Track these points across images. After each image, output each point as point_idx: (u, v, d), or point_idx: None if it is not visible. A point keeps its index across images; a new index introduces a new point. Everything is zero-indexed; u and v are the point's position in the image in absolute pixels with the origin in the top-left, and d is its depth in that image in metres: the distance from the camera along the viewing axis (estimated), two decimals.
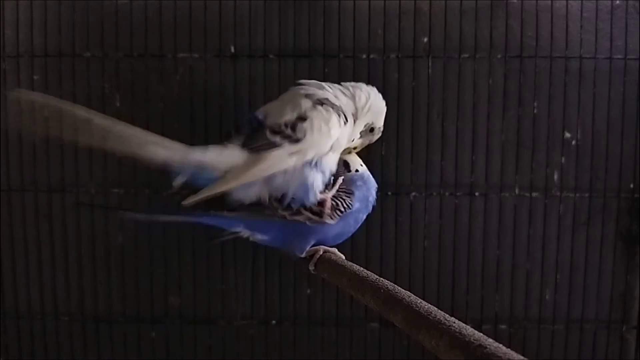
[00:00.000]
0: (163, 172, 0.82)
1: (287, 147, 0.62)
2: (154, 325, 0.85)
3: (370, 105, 0.68)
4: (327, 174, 0.66)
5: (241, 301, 0.84)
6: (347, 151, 0.71)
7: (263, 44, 0.81)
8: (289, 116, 0.63)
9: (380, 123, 0.71)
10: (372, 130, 0.71)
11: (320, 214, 0.65)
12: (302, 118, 0.63)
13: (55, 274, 0.84)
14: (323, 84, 0.68)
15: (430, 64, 0.81)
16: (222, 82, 0.81)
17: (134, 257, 0.83)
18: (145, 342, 0.85)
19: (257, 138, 0.64)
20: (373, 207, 0.71)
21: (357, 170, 0.71)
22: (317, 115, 0.63)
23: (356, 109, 0.68)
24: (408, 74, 0.81)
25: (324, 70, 0.81)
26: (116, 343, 0.85)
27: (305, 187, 0.63)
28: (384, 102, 0.70)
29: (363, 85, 0.69)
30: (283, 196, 0.64)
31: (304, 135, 0.62)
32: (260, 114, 0.66)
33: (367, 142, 0.72)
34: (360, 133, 0.70)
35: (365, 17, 0.80)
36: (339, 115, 0.64)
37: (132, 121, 0.81)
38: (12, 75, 0.81)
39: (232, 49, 0.81)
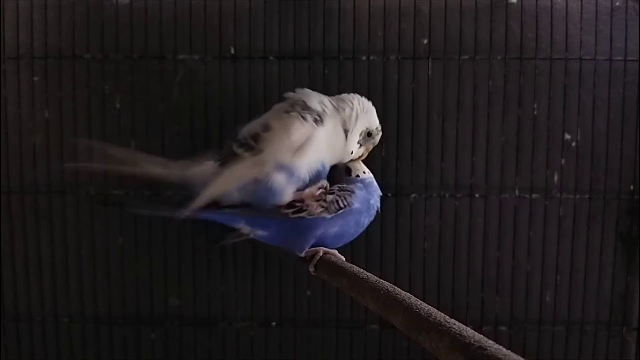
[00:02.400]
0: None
1: (249, 159, 0.63)
2: (154, 327, 0.85)
3: (357, 112, 0.68)
4: (298, 173, 0.64)
5: (241, 302, 0.84)
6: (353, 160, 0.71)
7: (263, 46, 0.81)
8: (255, 127, 0.65)
9: (374, 124, 0.70)
10: (369, 134, 0.70)
11: (301, 210, 0.65)
12: (266, 128, 0.64)
13: (55, 275, 0.84)
14: (313, 93, 0.68)
15: (430, 66, 0.81)
16: (222, 84, 0.81)
17: (133, 259, 0.83)
18: (145, 344, 0.85)
19: (225, 151, 0.66)
20: (377, 212, 0.70)
21: (357, 176, 0.70)
22: (279, 125, 0.64)
23: (344, 120, 0.67)
24: (408, 76, 0.81)
25: (323, 71, 0.81)
26: (116, 344, 0.85)
27: (265, 187, 0.63)
28: (369, 103, 0.69)
29: (345, 96, 0.69)
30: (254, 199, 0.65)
31: (264, 146, 0.63)
32: (240, 128, 0.67)
33: (370, 147, 0.72)
34: (359, 142, 0.70)
35: (365, 19, 0.80)
36: (305, 117, 0.64)
37: (132, 122, 0.82)
38: (12, 77, 0.81)
39: (232, 51, 0.81)
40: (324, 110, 0.66)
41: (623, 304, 0.83)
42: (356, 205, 0.67)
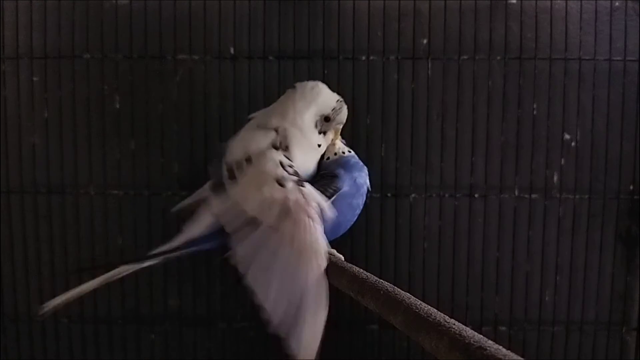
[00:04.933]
0: (162, 174, 0.83)
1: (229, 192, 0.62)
2: (154, 327, 0.85)
3: (297, 106, 0.64)
4: None
5: (241, 303, 0.84)
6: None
7: (262, 46, 0.81)
8: (238, 155, 0.64)
9: (325, 107, 0.65)
10: (327, 119, 0.65)
11: None
12: (248, 160, 0.63)
13: (55, 276, 0.84)
14: (267, 110, 0.68)
15: (429, 66, 0.81)
16: (221, 84, 0.81)
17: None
18: (144, 344, 0.85)
19: (218, 177, 0.65)
20: (368, 191, 0.67)
21: (328, 158, 0.67)
22: (253, 173, 0.61)
23: (293, 121, 0.64)
24: (407, 76, 0.81)
25: (323, 71, 0.81)
26: (115, 345, 0.85)
27: None
28: (310, 86, 0.65)
29: (282, 98, 0.67)
30: None
31: (239, 185, 0.62)
32: (225, 148, 0.67)
33: (339, 127, 0.68)
34: (320, 131, 0.66)
35: (365, 19, 0.80)
36: (283, 185, 0.59)
37: (132, 122, 0.82)
38: (11, 77, 0.81)
39: (232, 51, 0.81)
40: (283, 128, 0.64)
41: (622, 304, 0.83)
42: (344, 188, 0.63)
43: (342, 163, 0.67)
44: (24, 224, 0.83)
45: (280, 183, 0.58)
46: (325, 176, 0.65)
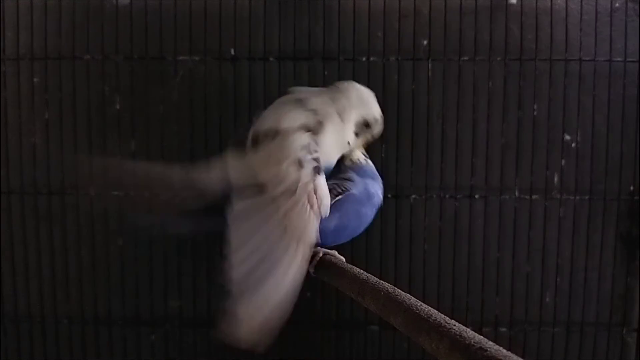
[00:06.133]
0: (162, 175, 0.82)
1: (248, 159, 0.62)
2: (154, 328, 0.85)
3: (352, 102, 0.66)
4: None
5: None
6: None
7: (263, 47, 0.81)
8: (268, 126, 0.64)
9: (372, 114, 0.67)
10: (367, 125, 0.67)
11: None
12: (276, 133, 0.62)
13: (55, 277, 0.84)
14: (312, 90, 0.67)
15: (430, 67, 0.81)
16: (222, 85, 0.81)
17: (133, 260, 0.83)
18: (144, 345, 0.85)
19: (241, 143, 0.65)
20: (380, 206, 0.67)
21: (346, 164, 0.67)
22: (277, 146, 0.61)
23: (339, 112, 0.65)
24: (408, 77, 0.81)
25: (323, 72, 0.81)
26: (115, 346, 0.85)
27: None
28: (368, 92, 0.67)
29: (341, 85, 0.68)
30: None
31: (260, 152, 0.62)
32: (255, 118, 0.67)
33: (370, 138, 0.69)
34: (356, 133, 0.67)
35: (365, 20, 0.80)
36: (302, 166, 0.59)
37: (132, 123, 0.82)
38: (12, 78, 0.81)
39: (232, 52, 0.81)
40: (323, 109, 0.64)
41: (623, 305, 0.83)
42: (353, 191, 0.63)
43: (357, 169, 0.67)
44: (24, 225, 0.83)
45: (301, 164, 0.59)
46: (338, 178, 0.65)
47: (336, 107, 0.65)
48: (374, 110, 0.68)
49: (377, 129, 0.69)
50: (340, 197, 0.63)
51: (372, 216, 0.66)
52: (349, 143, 0.67)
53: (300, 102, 0.65)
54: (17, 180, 0.83)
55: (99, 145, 0.82)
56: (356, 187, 0.64)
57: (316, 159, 0.60)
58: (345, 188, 0.63)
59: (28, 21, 0.81)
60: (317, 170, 0.59)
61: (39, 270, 0.84)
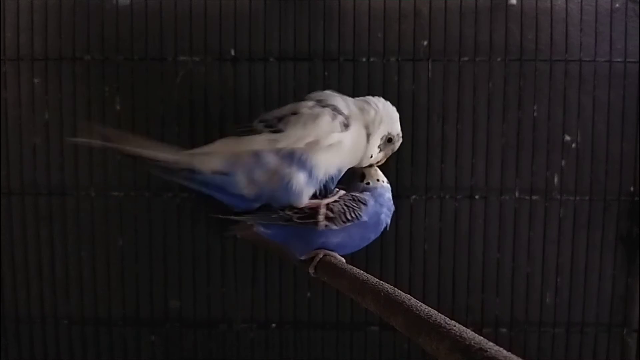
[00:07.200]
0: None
1: (265, 135, 0.63)
2: (154, 329, 0.85)
3: (381, 116, 0.67)
4: (316, 175, 0.63)
5: (241, 304, 0.84)
6: (370, 165, 0.71)
7: (263, 47, 0.81)
8: (283, 111, 0.65)
9: (396, 130, 0.69)
10: (390, 140, 0.69)
11: (310, 217, 0.63)
12: (294, 113, 0.64)
13: (55, 277, 0.84)
14: (338, 95, 0.68)
15: (430, 67, 0.81)
16: (222, 86, 0.81)
17: (133, 260, 0.83)
18: (145, 346, 0.85)
19: (244, 128, 0.66)
20: (385, 229, 0.68)
21: (368, 183, 0.69)
22: (308, 112, 0.63)
23: (367, 124, 0.67)
24: (408, 77, 0.81)
25: (324, 73, 0.81)
26: (116, 346, 0.85)
27: (285, 186, 0.62)
28: (393, 109, 0.69)
29: (371, 98, 0.69)
30: (263, 195, 0.64)
31: (286, 128, 0.63)
32: (264, 112, 0.68)
33: (389, 153, 0.71)
34: (379, 147, 0.69)
35: (365, 21, 0.80)
36: (335, 117, 0.63)
37: (133, 124, 0.82)
38: (12, 78, 0.82)
39: (233, 52, 0.81)
40: (350, 114, 0.65)
41: (623, 306, 0.83)
42: (364, 218, 0.65)
43: (376, 195, 0.68)
44: (24, 226, 0.83)
45: (333, 118, 0.63)
46: (355, 199, 0.66)
47: (364, 118, 0.67)
48: (398, 127, 0.70)
49: (397, 144, 0.71)
50: (349, 223, 0.64)
51: (373, 239, 0.68)
52: (371, 156, 0.69)
53: (322, 103, 0.65)
54: (18, 181, 0.83)
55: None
56: (367, 213, 0.65)
57: (346, 119, 0.64)
58: (358, 215, 0.64)
59: (28, 22, 0.81)
60: (345, 124, 0.64)
61: (39, 271, 0.84)
